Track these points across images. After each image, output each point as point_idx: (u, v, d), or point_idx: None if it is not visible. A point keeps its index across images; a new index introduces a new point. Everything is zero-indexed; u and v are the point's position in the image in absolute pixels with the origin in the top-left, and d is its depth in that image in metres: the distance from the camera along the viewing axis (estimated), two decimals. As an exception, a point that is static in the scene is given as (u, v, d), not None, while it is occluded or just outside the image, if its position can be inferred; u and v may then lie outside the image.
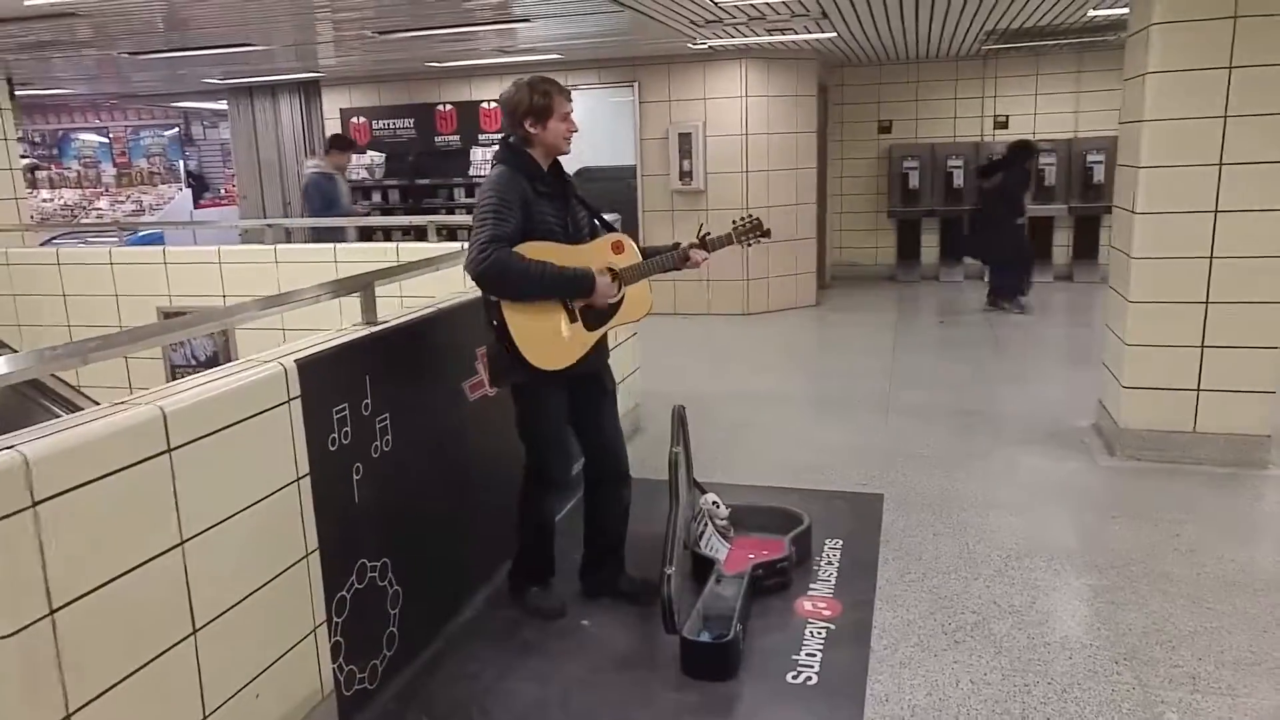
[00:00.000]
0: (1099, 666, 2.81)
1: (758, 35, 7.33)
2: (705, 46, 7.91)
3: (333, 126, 9.69)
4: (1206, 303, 4.34)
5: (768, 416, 5.56)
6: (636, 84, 8.64)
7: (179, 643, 1.97)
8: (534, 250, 2.78)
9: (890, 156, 10.33)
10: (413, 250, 4.94)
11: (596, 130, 8.89)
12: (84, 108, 12.49)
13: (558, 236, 2.89)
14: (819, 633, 3.05)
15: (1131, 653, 2.87)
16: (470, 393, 3.24)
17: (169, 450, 1.93)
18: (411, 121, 9.36)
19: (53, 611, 1.68)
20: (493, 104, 9.00)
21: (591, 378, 3.07)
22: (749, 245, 3.17)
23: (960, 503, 4.11)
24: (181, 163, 12.21)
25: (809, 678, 2.80)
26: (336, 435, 2.50)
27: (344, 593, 2.54)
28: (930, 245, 10.56)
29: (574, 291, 2.83)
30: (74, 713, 1.73)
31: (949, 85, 10.20)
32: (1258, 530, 3.72)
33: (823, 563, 3.56)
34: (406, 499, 2.83)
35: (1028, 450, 4.78)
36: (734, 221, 3.18)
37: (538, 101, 2.85)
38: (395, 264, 3.17)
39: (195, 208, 11.25)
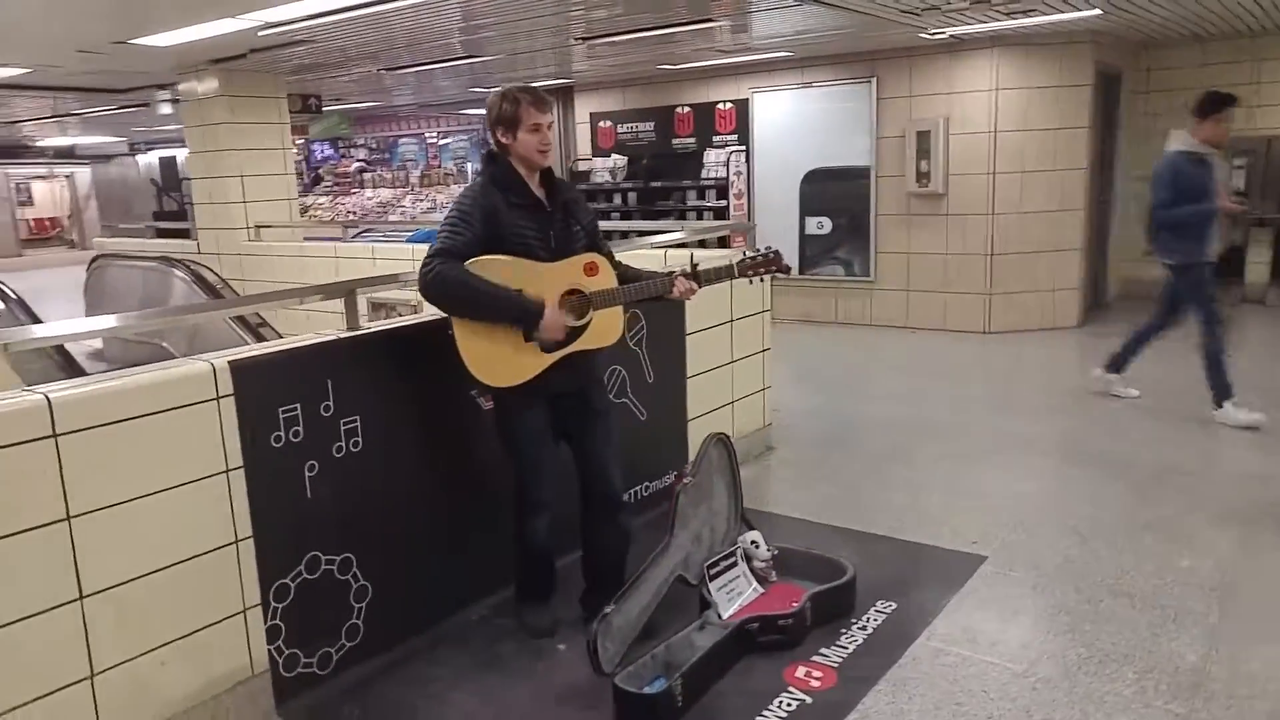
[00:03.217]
0: (1099, 824, 2.18)
1: (995, 21, 6.50)
2: (946, 36, 7.18)
3: (583, 131, 10.15)
4: None
5: (928, 451, 4.96)
6: (874, 79, 8.08)
7: (62, 605, 2.24)
8: (492, 266, 2.73)
9: (1206, 153, 8.63)
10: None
11: (827, 130, 8.47)
12: (408, 117, 14.41)
13: (534, 251, 2.81)
14: (789, 705, 2.69)
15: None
16: (485, 403, 3.27)
17: (54, 435, 2.19)
18: (652, 124, 9.55)
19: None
20: (728, 105, 8.92)
21: (574, 395, 2.96)
22: (754, 280, 2.89)
23: (1078, 582, 3.38)
24: (470, 165, 13.64)
25: (738, 755, 2.49)
26: (283, 433, 2.67)
27: (286, 580, 2.71)
28: (1258, 260, 8.67)
29: (516, 320, 2.73)
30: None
31: (1305, 61, 8.27)
32: None
33: (855, 626, 3.12)
34: (380, 500, 2.94)
35: (1225, 529, 3.79)
36: (745, 253, 2.91)
37: (506, 110, 2.79)
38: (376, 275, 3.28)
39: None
